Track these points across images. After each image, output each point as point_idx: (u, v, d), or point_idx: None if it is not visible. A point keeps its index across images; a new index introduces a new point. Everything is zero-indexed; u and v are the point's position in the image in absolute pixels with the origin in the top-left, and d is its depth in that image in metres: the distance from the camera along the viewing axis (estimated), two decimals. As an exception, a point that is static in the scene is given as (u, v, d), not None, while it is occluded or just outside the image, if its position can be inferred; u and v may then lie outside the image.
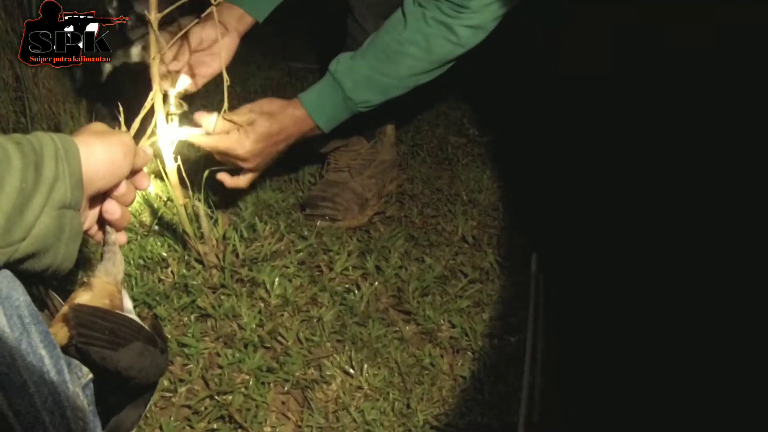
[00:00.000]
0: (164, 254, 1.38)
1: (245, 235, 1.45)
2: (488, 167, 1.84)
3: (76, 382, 0.68)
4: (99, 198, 0.84)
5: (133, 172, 0.87)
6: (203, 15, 1.12)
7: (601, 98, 1.67)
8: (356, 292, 1.37)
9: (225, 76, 1.14)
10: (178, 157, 1.19)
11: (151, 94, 1.05)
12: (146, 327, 0.85)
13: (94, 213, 0.86)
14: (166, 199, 1.52)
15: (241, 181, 1.35)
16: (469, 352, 1.28)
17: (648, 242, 1.37)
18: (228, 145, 1.26)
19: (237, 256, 1.38)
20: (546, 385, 1.22)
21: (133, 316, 0.86)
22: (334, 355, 1.23)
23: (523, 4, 1.29)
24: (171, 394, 1.15)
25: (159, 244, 1.40)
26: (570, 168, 1.70)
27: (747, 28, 1.31)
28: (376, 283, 1.40)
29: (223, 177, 1.35)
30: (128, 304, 0.90)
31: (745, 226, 1.20)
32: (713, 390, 1.07)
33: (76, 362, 0.70)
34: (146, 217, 1.49)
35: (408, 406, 1.16)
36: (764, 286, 1.10)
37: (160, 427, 1.09)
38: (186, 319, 1.27)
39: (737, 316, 1.12)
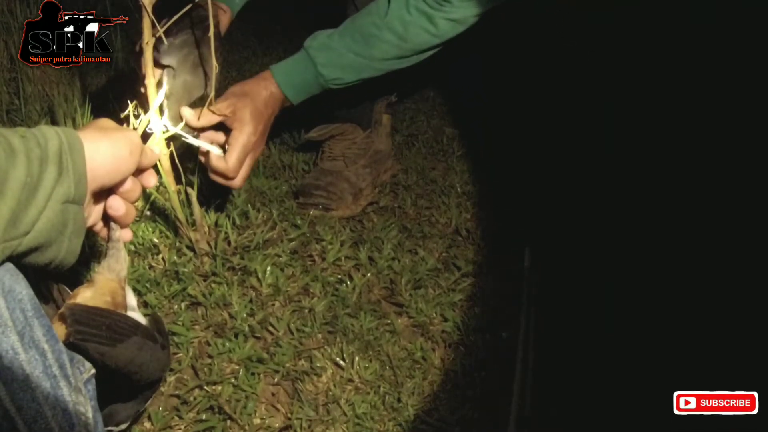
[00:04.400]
0: (155, 240, 1.37)
1: (237, 222, 1.43)
2: (483, 159, 1.83)
3: (79, 377, 0.68)
4: (104, 194, 0.83)
5: (140, 170, 0.86)
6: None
7: (596, 92, 1.66)
8: (348, 283, 1.36)
9: (214, 63, 1.12)
10: (171, 143, 1.17)
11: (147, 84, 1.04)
12: (145, 323, 0.84)
13: (98, 209, 0.85)
14: (158, 184, 1.50)
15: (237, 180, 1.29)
16: (461, 347, 1.27)
17: (641, 237, 1.36)
18: (242, 148, 1.25)
19: (229, 243, 1.37)
20: (538, 381, 1.21)
21: (137, 314, 0.86)
22: (325, 347, 1.23)
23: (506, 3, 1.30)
24: (160, 384, 1.13)
25: (150, 230, 1.38)
26: (565, 162, 1.69)
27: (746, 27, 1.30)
28: (369, 274, 1.39)
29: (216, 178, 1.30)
30: (132, 301, 0.89)
31: (741, 218, 1.20)
32: (708, 381, 1.06)
33: (78, 357, 0.70)
34: (138, 203, 1.47)
35: (399, 400, 1.15)
36: (760, 283, 1.09)
37: (149, 417, 1.08)
38: (176, 307, 1.26)
39: (734, 309, 1.12)
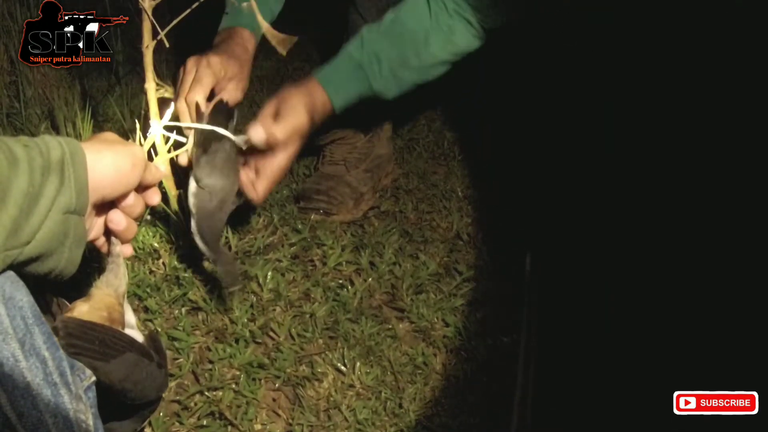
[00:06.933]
0: (156, 245, 1.36)
1: (238, 227, 1.43)
2: (484, 164, 1.82)
3: (79, 384, 0.68)
4: (106, 208, 0.83)
5: (144, 187, 0.86)
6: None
7: (596, 94, 1.66)
8: (349, 288, 1.35)
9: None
10: (171, 148, 1.17)
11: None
12: (142, 341, 0.84)
13: (100, 222, 0.85)
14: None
15: (260, 187, 1.25)
16: (462, 352, 1.27)
17: (643, 242, 1.36)
18: (276, 173, 1.24)
19: (230, 248, 1.37)
20: (539, 387, 1.21)
21: (135, 331, 0.85)
22: (327, 352, 1.22)
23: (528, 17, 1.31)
24: (158, 403, 1.13)
25: (151, 234, 1.38)
26: (566, 166, 1.69)
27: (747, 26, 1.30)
28: (370, 279, 1.38)
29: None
30: (131, 318, 0.88)
31: (741, 218, 1.20)
32: (708, 381, 1.06)
33: (79, 365, 0.69)
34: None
35: (400, 406, 1.15)
36: (760, 283, 1.09)
37: (149, 423, 1.07)
38: (177, 311, 1.25)
39: (734, 309, 1.12)
